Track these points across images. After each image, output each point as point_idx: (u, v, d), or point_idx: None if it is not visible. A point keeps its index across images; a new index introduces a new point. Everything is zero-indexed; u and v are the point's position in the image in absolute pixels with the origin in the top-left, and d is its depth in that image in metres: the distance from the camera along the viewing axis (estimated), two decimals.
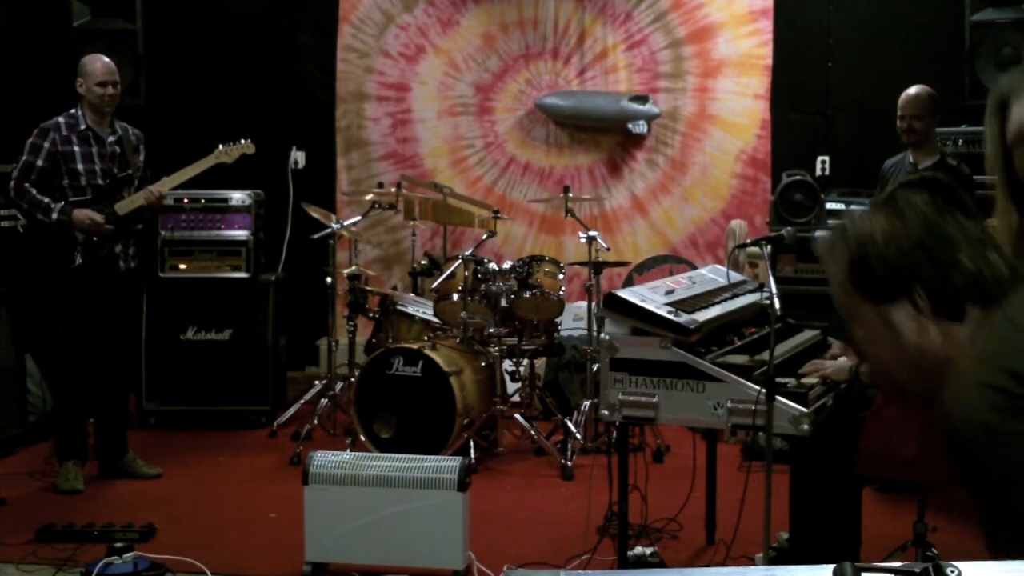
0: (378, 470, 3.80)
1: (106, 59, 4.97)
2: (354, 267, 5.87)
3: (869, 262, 1.57)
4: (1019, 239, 1.85)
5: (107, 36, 6.22)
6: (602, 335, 3.52)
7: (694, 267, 6.32)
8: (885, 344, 1.57)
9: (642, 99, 7.06)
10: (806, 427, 3.02)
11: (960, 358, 1.46)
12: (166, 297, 6.02)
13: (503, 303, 5.45)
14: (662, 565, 3.80)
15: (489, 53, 7.25)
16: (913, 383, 1.57)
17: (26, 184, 4.83)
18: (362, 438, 5.21)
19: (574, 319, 6.39)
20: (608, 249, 5.74)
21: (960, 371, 1.43)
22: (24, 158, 4.85)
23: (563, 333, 6.07)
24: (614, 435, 3.85)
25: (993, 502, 1.39)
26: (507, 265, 5.65)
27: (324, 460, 3.86)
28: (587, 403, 5.50)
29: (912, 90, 5.07)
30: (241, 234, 6.08)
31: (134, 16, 6.33)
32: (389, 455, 4.09)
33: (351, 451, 4.69)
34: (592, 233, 5.59)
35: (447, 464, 3.80)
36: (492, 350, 5.43)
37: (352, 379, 5.56)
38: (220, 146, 5.24)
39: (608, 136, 7.17)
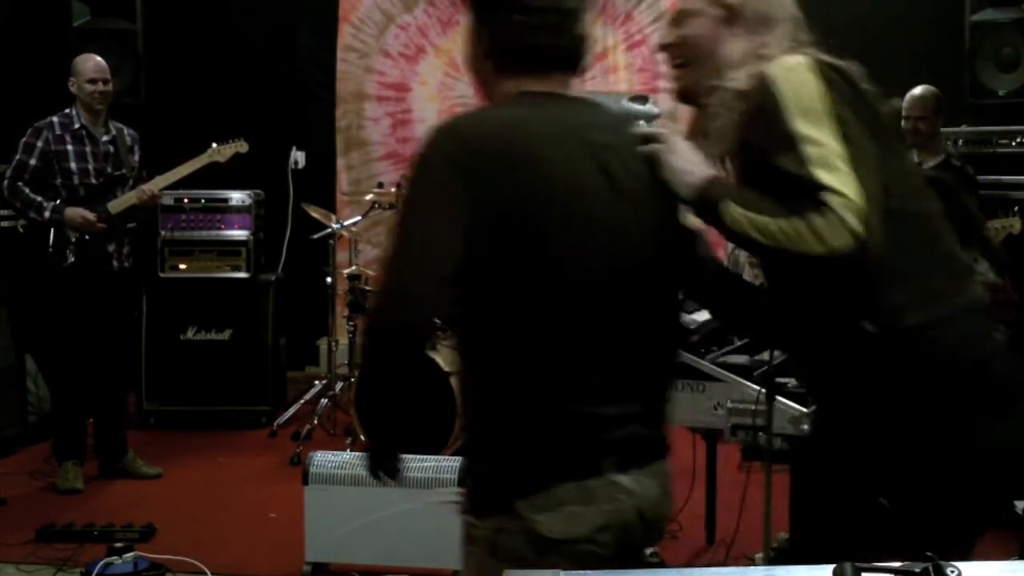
0: None
1: (98, 58, 4.98)
2: (354, 267, 5.87)
3: None
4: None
5: (107, 36, 6.21)
6: None
7: None
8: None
9: (642, 99, 7.01)
10: (806, 427, 3.02)
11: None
12: (166, 297, 6.01)
13: None
14: (662, 565, 3.79)
15: None
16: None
17: (19, 183, 4.83)
18: (362, 438, 5.20)
19: None
20: None
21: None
22: (17, 157, 4.85)
23: None
24: None
25: None
26: None
27: (324, 460, 3.86)
28: None
29: (917, 90, 5.03)
30: (241, 234, 6.08)
31: (134, 16, 6.33)
32: None
33: (351, 451, 4.69)
34: None
35: (447, 464, 3.80)
36: None
37: (352, 379, 5.56)
38: (214, 145, 5.25)
39: None
